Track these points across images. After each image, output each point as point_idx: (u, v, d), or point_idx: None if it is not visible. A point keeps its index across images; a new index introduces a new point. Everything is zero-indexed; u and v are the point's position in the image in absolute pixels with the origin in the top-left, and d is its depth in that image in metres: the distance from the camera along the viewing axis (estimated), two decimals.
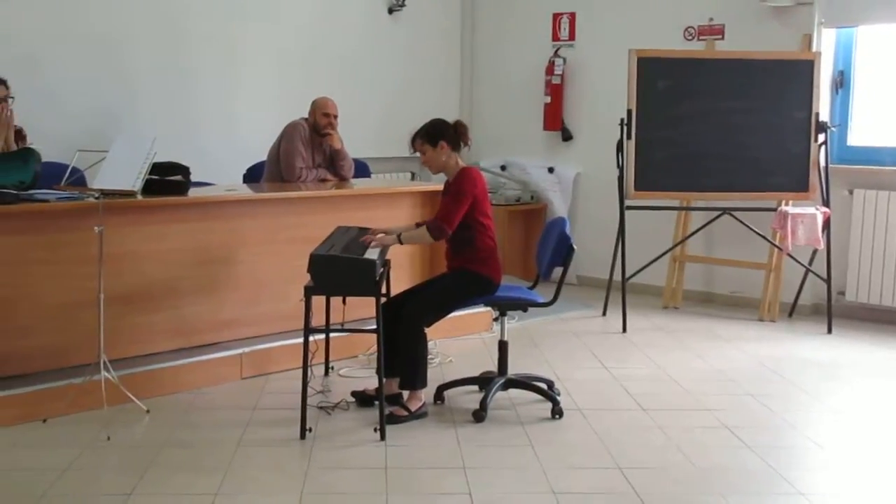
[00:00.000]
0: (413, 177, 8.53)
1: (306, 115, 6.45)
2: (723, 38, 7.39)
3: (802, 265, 6.93)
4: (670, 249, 7.35)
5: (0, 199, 4.54)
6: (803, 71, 6.69)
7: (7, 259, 4.55)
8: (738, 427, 4.63)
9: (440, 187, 4.97)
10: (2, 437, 4.28)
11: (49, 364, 4.69)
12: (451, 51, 8.86)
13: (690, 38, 7.56)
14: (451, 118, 5.01)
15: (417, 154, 4.92)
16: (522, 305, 4.96)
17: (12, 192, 4.66)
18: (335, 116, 6.41)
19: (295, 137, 6.32)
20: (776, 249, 6.94)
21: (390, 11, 8.27)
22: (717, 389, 5.28)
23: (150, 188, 4.88)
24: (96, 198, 4.56)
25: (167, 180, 5.11)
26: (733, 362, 5.86)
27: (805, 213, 6.66)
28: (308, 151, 6.37)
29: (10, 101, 5.34)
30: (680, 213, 7.42)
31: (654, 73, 6.72)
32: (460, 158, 4.90)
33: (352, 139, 6.69)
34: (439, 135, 4.82)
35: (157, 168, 4.92)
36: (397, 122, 8.11)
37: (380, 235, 4.88)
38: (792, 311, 7.15)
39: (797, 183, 6.75)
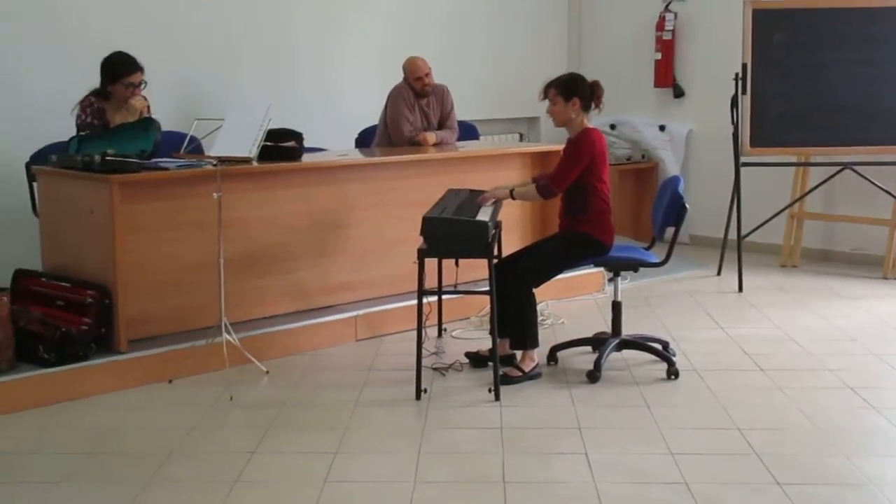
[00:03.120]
0: (521, 138, 8.48)
1: None
2: None
3: None
4: (788, 207, 7.16)
5: (123, 167, 4.70)
6: None
7: (132, 225, 4.70)
8: (861, 387, 4.51)
9: (550, 147, 4.90)
10: (131, 397, 4.46)
11: (174, 327, 4.85)
12: (559, 7, 8.74)
13: None
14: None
15: (546, 102, 4.78)
16: (633, 265, 4.89)
17: (135, 160, 4.81)
18: (427, 75, 6.37)
19: (399, 102, 6.36)
20: None
21: None
22: (838, 349, 5.14)
23: (264, 154, 4.96)
24: (214, 165, 4.67)
25: (281, 146, 5.21)
26: (855, 321, 5.69)
27: None
28: (414, 115, 6.40)
29: (142, 85, 5.31)
30: (798, 169, 7.21)
31: (769, 25, 6.53)
32: (587, 119, 4.82)
33: (459, 102, 6.67)
34: (575, 90, 4.72)
35: (271, 134, 5.01)
36: (504, 82, 8.08)
37: (493, 190, 4.92)
38: None
39: None
